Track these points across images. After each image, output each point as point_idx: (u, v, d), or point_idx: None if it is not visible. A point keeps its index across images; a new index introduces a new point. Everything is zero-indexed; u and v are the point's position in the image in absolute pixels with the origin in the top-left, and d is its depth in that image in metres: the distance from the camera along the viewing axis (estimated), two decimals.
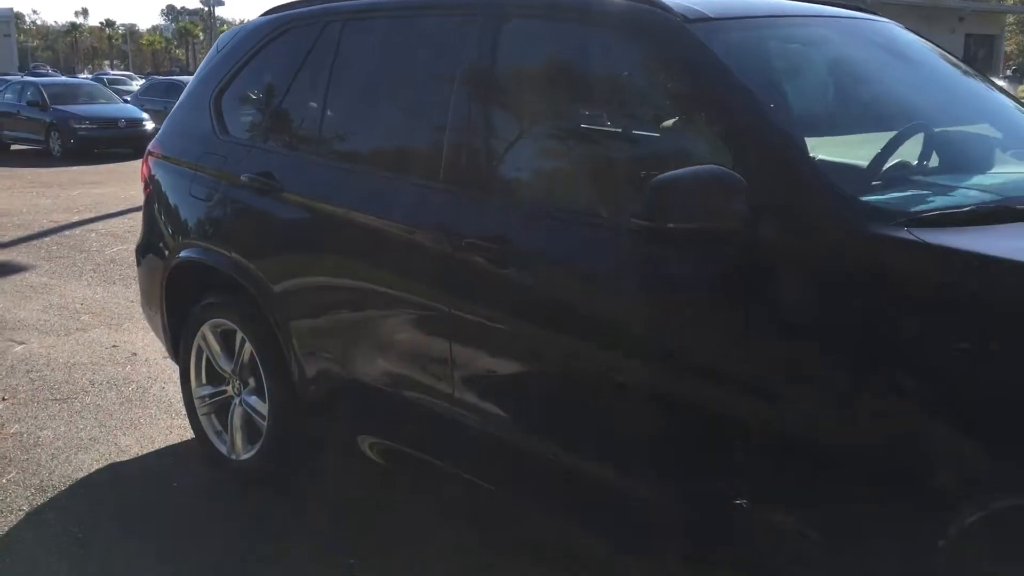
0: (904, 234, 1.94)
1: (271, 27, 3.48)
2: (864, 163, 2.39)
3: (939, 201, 2.22)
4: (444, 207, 2.69)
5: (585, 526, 2.53)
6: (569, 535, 2.63)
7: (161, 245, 3.77)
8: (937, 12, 41.32)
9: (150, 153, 3.90)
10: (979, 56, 44.47)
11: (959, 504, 1.78)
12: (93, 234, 9.32)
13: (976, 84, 3.12)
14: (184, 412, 3.97)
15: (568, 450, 2.49)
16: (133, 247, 4.17)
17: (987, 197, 2.30)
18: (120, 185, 13.23)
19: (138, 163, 4.14)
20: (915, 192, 2.32)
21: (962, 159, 2.70)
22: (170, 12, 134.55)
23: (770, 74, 2.54)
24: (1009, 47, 56.79)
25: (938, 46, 3.19)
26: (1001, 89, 3.11)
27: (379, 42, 3.12)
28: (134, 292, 6.48)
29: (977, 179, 2.50)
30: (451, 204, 2.68)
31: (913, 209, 2.11)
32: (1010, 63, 48.29)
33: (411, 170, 2.88)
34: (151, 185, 3.87)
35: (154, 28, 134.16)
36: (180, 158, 3.70)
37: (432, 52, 2.90)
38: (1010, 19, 49.70)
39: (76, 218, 10.31)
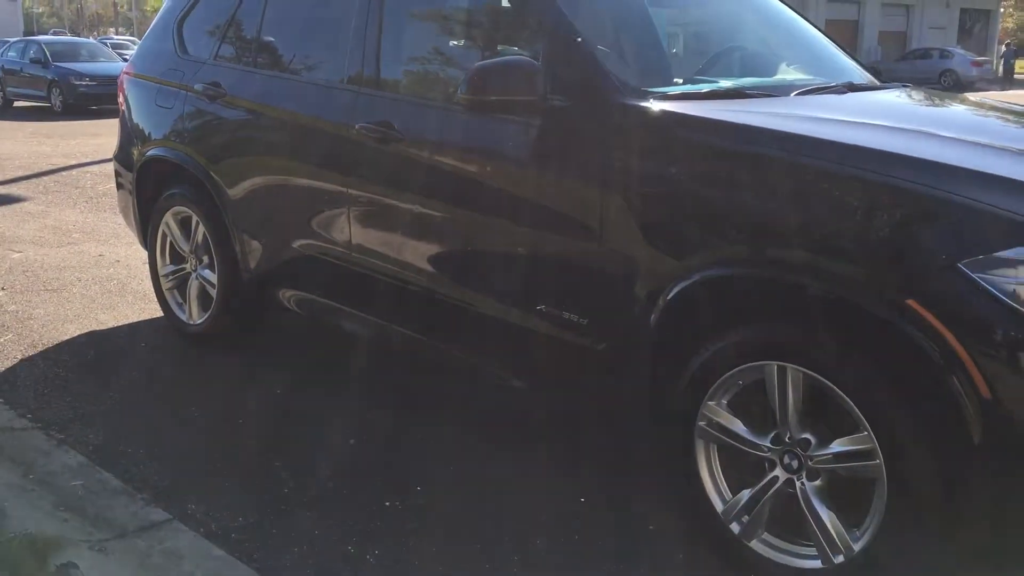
0: (646, 103, 2.70)
1: None
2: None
3: (690, 88, 2.98)
4: (345, 102, 3.46)
5: (446, 339, 3.30)
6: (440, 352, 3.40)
7: (133, 148, 4.54)
8: None
9: (124, 73, 4.67)
10: (974, 31, 44.93)
11: (662, 287, 2.54)
12: (88, 175, 10.08)
13: (789, 16, 3.85)
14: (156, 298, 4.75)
15: (439, 284, 3.24)
16: None
17: (730, 86, 3.06)
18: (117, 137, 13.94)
19: None
20: (688, 85, 3.06)
21: (754, 68, 3.48)
22: None
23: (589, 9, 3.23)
24: (1008, 24, 57.07)
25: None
26: (808, 22, 3.85)
27: None
28: (122, 219, 7.27)
29: (748, 80, 3.26)
30: (350, 100, 3.44)
31: (666, 91, 2.86)
32: (1007, 40, 48.45)
33: (323, 76, 3.64)
34: (125, 100, 4.63)
35: None
36: (148, 75, 4.46)
37: None
38: None
39: (73, 162, 11.07)
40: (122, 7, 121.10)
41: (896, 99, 3.28)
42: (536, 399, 3.34)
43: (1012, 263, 2.04)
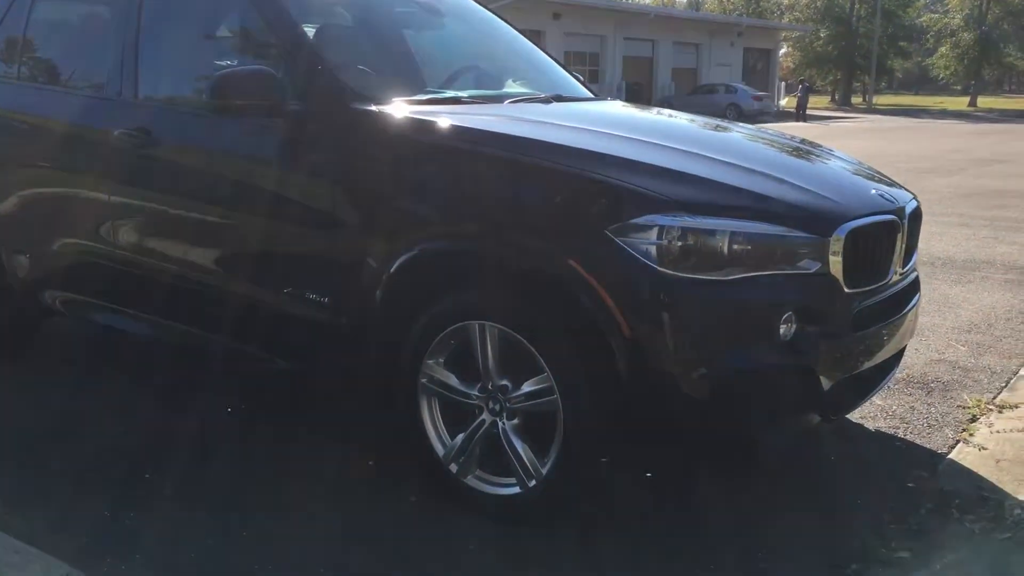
0: (369, 107, 3.12)
1: None
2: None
3: (418, 96, 3.41)
4: (105, 111, 3.71)
5: (209, 327, 3.58)
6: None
7: None
8: (721, 27, 45.07)
9: None
10: (757, 68, 48.75)
11: (386, 264, 2.94)
12: None
13: (528, 46, 4.41)
14: None
15: (199, 276, 3.50)
16: None
17: (449, 95, 3.54)
18: None
19: None
20: (418, 94, 3.49)
21: (486, 83, 3.99)
22: None
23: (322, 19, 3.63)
24: (787, 63, 62.19)
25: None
26: (532, 44, 4.43)
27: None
28: None
29: (472, 90, 3.74)
30: (110, 108, 3.70)
31: (390, 99, 3.27)
32: (801, 78, 52.51)
33: (83, 87, 3.88)
34: None
35: None
36: None
37: (96, 7, 3.91)
38: (785, 35, 54.47)
39: None
40: None
41: (592, 108, 3.86)
42: (298, 376, 3.65)
43: (644, 228, 2.57)
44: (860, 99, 61.12)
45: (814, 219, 2.73)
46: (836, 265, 2.71)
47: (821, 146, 3.77)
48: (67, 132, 3.86)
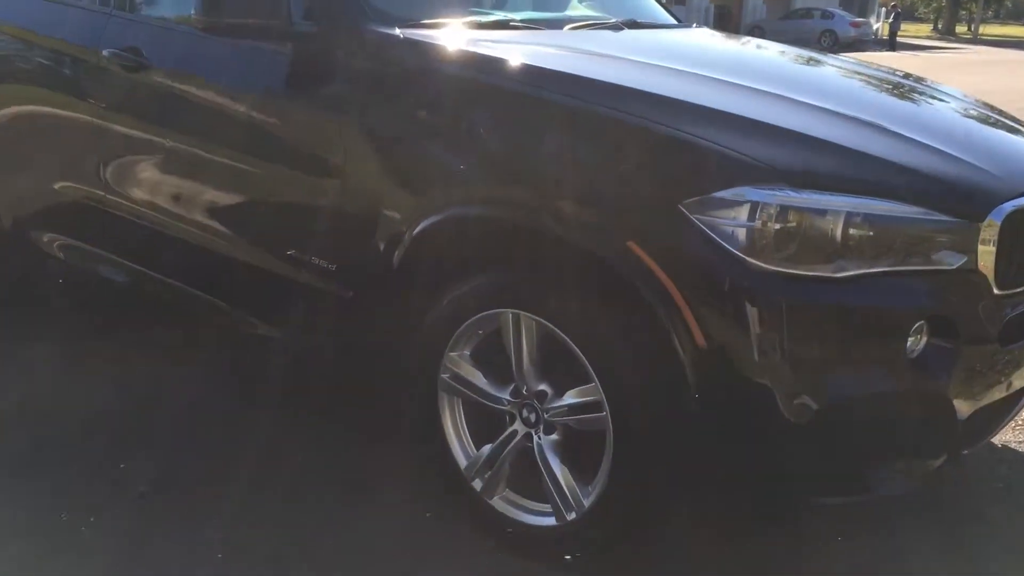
0: (391, 30, 2.50)
1: None
2: None
3: (456, 18, 2.75)
4: (95, 26, 3.15)
5: (199, 285, 3.07)
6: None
7: None
8: None
9: None
10: None
11: (407, 226, 2.36)
12: None
13: None
14: None
15: (191, 227, 2.97)
16: None
17: (496, 18, 2.90)
18: None
19: None
20: (456, 15, 2.83)
21: (545, 2, 3.33)
22: None
23: None
24: None
25: None
26: None
27: None
28: None
29: (528, 13, 3.09)
30: (100, 23, 3.14)
31: (420, 20, 2.64)
32: (893, 2, 49.46)
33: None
34: None
35: None
36: None
37: None
38: None
39: None
40: None
41: (672, 38, 3.15)
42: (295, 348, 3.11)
43: (731, 204, 1.92)
44: (965, 28, 57.45)
45: (962, 197, 2.05)
46: (987, 258, 2.03)
47: (954, 91, 3.02)
48: (52, 49, 3.33)
